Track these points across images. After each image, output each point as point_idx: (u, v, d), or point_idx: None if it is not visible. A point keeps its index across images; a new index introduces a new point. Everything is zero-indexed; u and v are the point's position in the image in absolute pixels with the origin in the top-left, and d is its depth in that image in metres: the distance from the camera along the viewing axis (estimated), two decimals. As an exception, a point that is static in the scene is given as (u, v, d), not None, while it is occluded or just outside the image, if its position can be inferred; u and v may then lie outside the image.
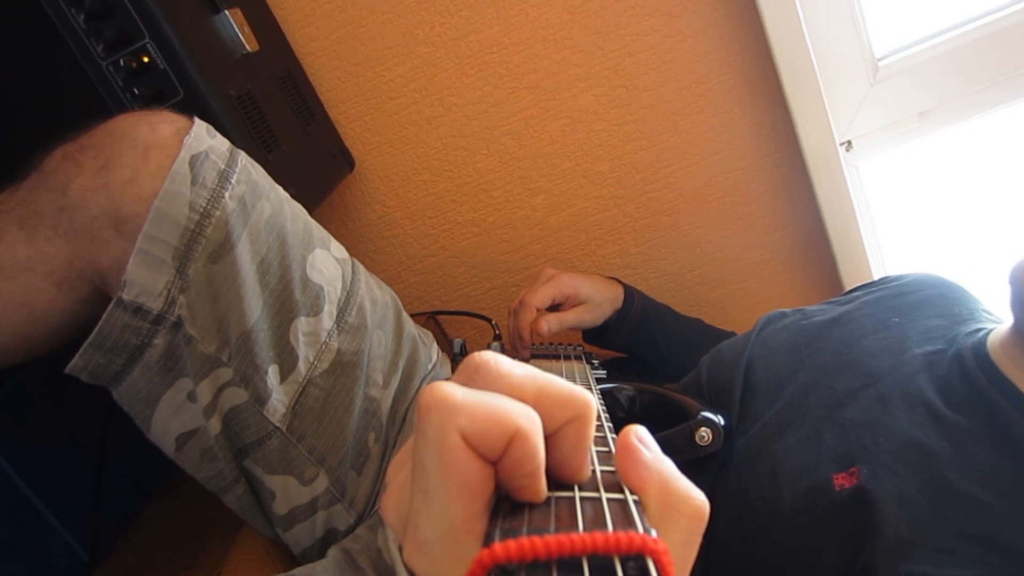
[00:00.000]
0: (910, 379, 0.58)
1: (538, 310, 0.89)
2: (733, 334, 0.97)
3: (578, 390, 0.27)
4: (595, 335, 0.96)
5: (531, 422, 0.25)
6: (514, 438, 0.24)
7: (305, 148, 0.96)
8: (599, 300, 0.91)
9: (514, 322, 0.90)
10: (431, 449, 0.24)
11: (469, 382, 0.26)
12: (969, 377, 0.56)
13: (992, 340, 0.58)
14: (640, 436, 0.28)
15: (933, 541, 0.48)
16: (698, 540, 0.26)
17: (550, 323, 0.88)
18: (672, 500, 0.26)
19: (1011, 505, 0.48)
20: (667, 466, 0.27)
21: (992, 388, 0.54)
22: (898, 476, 0.52)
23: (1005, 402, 0.53)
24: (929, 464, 0.52)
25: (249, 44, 0.86)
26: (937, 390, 0.57)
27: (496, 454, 0.24)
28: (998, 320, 0.64)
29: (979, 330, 0.61)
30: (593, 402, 0.27)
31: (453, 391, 0.24)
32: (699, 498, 0.27)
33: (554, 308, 0.93)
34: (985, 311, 0.67)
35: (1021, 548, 0.46)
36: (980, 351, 0.57)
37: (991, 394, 0.54)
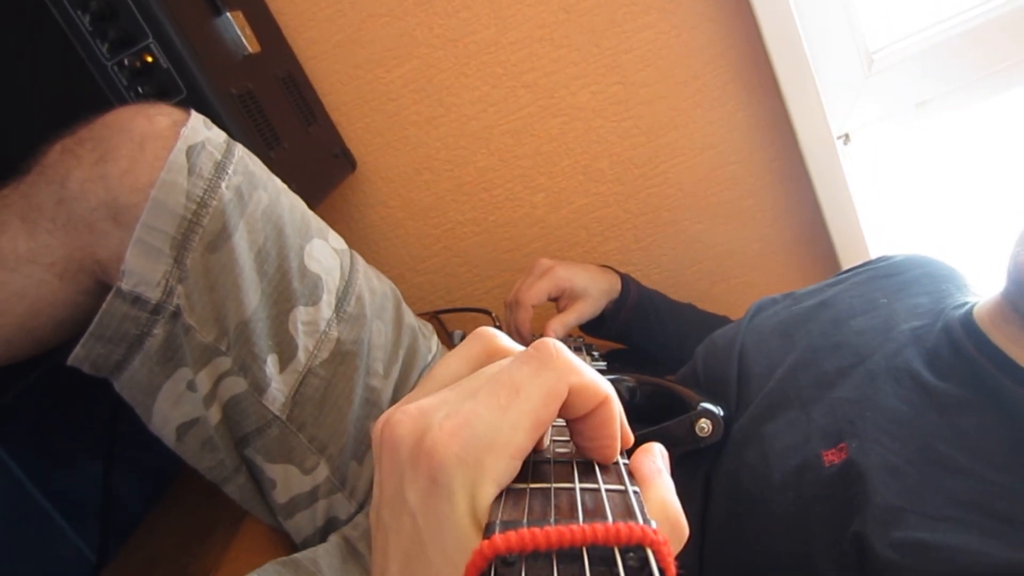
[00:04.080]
0: (897, 353, 0.58)
1: (534, 307, 0.89)
2: (725, 318, 0.97)
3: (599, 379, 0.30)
4: (592, 326, 0.96)
5: (615, 393, 0.29)
6: (603, 404, 0.28)
7: (307, 147, 0.97)
8: (596, 293, 0.92)
9: (512, 320, 0.90)
10: (540, 385, 0.27)
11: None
12: (957, 346, 0.56)
13: (979, 310, 0.58)
14: (663, 451, 0.31)
15: (924, 508, 0.47)
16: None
17: (556, 330, 0.89)
18: (664, 505, 0.27)
19: (1001, 472, 0.48)
20: (671, 483, 0.29)
21: (981, 356, 0.54)
22: (886, 448, 0.52)
23: (995, 369, 0.53)
24: (917, 435, 0.52)
25: (251, 45, 0.88)
26: (925, 362, 0.57)
27: (580, 413, 0.28)
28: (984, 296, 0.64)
29: (966, 303, 0.61)
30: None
31: (575, 357, 0.28)
32: (685, 523, 0.28)
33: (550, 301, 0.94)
34: (971, 287, 0.67)
35: (1013, 514, 0.46)
36: (968, 321, 0.57)
37: (980, 362, 0.54)
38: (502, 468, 0.26)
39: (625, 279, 0.95)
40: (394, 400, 0.78)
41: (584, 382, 0.28)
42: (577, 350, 0.86)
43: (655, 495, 0.28)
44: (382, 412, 0.75)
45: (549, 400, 0.27)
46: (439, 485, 0.25)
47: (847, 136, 1.09)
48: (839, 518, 0.51)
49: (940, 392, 0.53)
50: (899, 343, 0.59)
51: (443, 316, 1.15)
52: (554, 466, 0.29)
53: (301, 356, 0.70)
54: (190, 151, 0.63)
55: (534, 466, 0.29)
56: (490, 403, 0.26)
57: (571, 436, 0.30)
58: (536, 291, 0.89)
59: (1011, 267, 0.55)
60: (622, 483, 0.27)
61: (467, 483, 0.25)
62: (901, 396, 0.55)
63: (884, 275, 0.72)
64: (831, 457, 0.54)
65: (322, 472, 0.73)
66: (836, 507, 0.51)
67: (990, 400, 0.51)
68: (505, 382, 0.27)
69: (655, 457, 0.30)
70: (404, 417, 0.27)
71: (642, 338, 0.95)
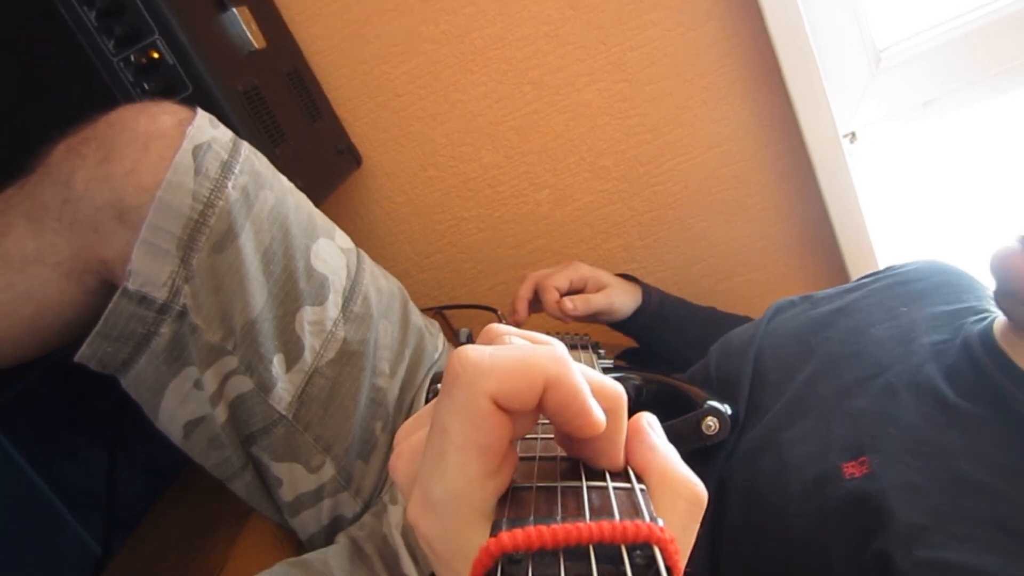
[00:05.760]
0: (918, 368, 0.58)
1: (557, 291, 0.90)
2: (748, 318, 0.97)
3: (609, 382, 0.27)
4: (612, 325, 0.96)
5: (558, 364, 0.25)
6: (547, 388, 0.25)
7: (312, 143, 0.97)
8: (621, 287, 0.92)
9: (544, 302, 0.90)
10: (458, 415, 0.25)
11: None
12: (977, 364, 0.55)
13: (998, 326, 0.57)
14: (650, 422, 0.29)
15: (947, 527, 0.47)
16: (696, 526, 0.27)
17: (577, 305, 0.88)
18: (673, 482, 0.27)
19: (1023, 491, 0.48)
20: (671, 451, 0.28)
21: (1000, 375, 0.53)
22: (908, 466, 0.51)
23: (1014, 388, 0.52)
24: (939, 454, 0.51)
25: (256, 41, 0.88)
26: (945, 378, 0.56)
27: (531, 405, 0.25)
28: None
29: (985, 316, 0.60)
30: (623, 394, 0.28)
31: (481, 353, 0.25)
32: (698, 483, 0.27)
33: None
34: (990, 297, 0.66)
35: None
36: (987, 338, 0.56)
37: (999, 380, 0.53)
38: (477, 502, 0.25)
39: (645, 287, 0.95)
40: (399, 400, 0.78)
41: (506, 380, 0.24)
42: (584, 348, 0.86)
43: (656, 480, 0.27)
44: (387, 412, 0.76)
45: (475, 423, 0.24)
46: (439, 555, 0.26)
47: (853, 134, 1.08)
48: (860, 533, 0.51)
49: (961, 410, 0.53)
50: (920, 357, 0.58)
51: (448, 313, 1.15)
52: (560, 464, 0.29)
53: (307, 356, 0.70)
54: (196, 151, 0.63)
55: (540, 464, 0.29)
56: (432, 461, 0.25)
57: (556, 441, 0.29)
58: (559, 276, 0.90)
59: (995, 292, 0.55)
60: (628, 481, 0.27)
61: (460, 535, 0.25)
62: (923, 413, 0.54)
63: (903, 282, 0.71)
64: (851, 470, 0.53)
65: (328, 471, 0.73)
66: (857, 522, 0.51)
67: (1011, 420, 0.51)
68: (436, 427, 0.26)
69: (645, 434, 0.28)
70: (396, 462, 0.28)
71: (659, 343, 0.94)
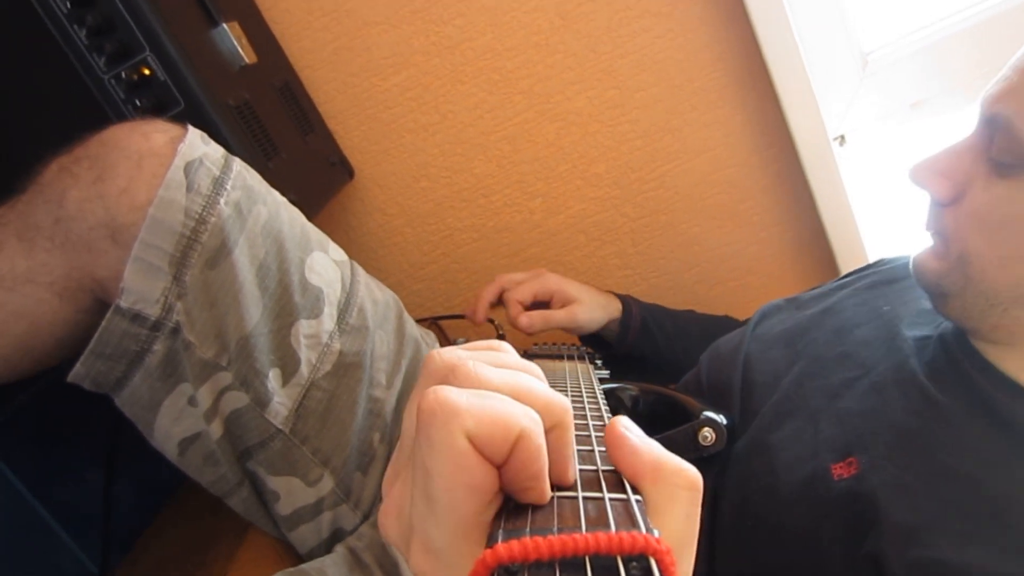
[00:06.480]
0: (903, 364, 0.58)
1: (520, 304, 0.89)
2: (726, 318, 0.97)
3: (555, 397, 0.27)
4: (597, 348, 0.96)
5: (534, 423, 0.25)
6: (518, 440, 0.25)
7: (305, 157, 0.97)
8: (590, 302, 0.91)
9: (483, 300, 0.90)
10: (438, 453, 0.24)
11: (446, 382, 0.27)
12: (952, 360, 0.56)
13: None
14: (625, 425, 0.29)
15: (936, 525, 0.47)
16: (698, 511, 0.27)
17: (534, 321, 0.87)
18: (666, 475, 0.27)
19: (1010, 484, 0.48)
20: (654, 446, 0.28)
21: (974, 370, 0.54)
22: (897, 465, 0.52)
23: (987, 383, 0.53)
24: (926, 449, 0.52)
25: (247, 56, 0.88)
26: (927, 374, 0.57)
27: (501, 457, 0.25)
28: None
29: None
30: (569, 407, 0.28)
31: (457, 395, 0.25)
32: (689, 467, 0.27)
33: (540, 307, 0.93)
34: None
35: None
36: (960, 333, 0.57)
37: (973, 376, 0.54)
38: (478, 536, 0.25)
39: (625, 300, 0.94)
40: (396, 411, 0.78)
41: (484, 423, 0.24)
42: (580, 359, 0.85)
43: (649, 481, 0.27)
44: (385, 422, 0.76)
45: (459, 463, 0.24)
46: None
47: (843, 138, 1.09)
48: (852, 534, 0.51)
49: (943, 405, 0.53)
50: (903, 353, 0.59)
51: (443, 323, 1.14)
52: None
53: (304, 369, 0.70)
54: (188, 167, 0.63)
55: None
56: (423, 506, 0.25)
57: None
58: (522, 289, 0.89)
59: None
60: (624, 492, 0.27)
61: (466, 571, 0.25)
62: (908, 409, 0.55)
63: (887, 280, 0.71)
64: (840, 471, 0.54)
65: (326, 484, 0.73)
66: (848, 524, 0.51)
67: (987, 413, 0.52)
68: (419, 471, 0.25)
69: (624, 440, 0.28)
70: (385, 520, 0.28)
71: (650, 359, 0.94)
